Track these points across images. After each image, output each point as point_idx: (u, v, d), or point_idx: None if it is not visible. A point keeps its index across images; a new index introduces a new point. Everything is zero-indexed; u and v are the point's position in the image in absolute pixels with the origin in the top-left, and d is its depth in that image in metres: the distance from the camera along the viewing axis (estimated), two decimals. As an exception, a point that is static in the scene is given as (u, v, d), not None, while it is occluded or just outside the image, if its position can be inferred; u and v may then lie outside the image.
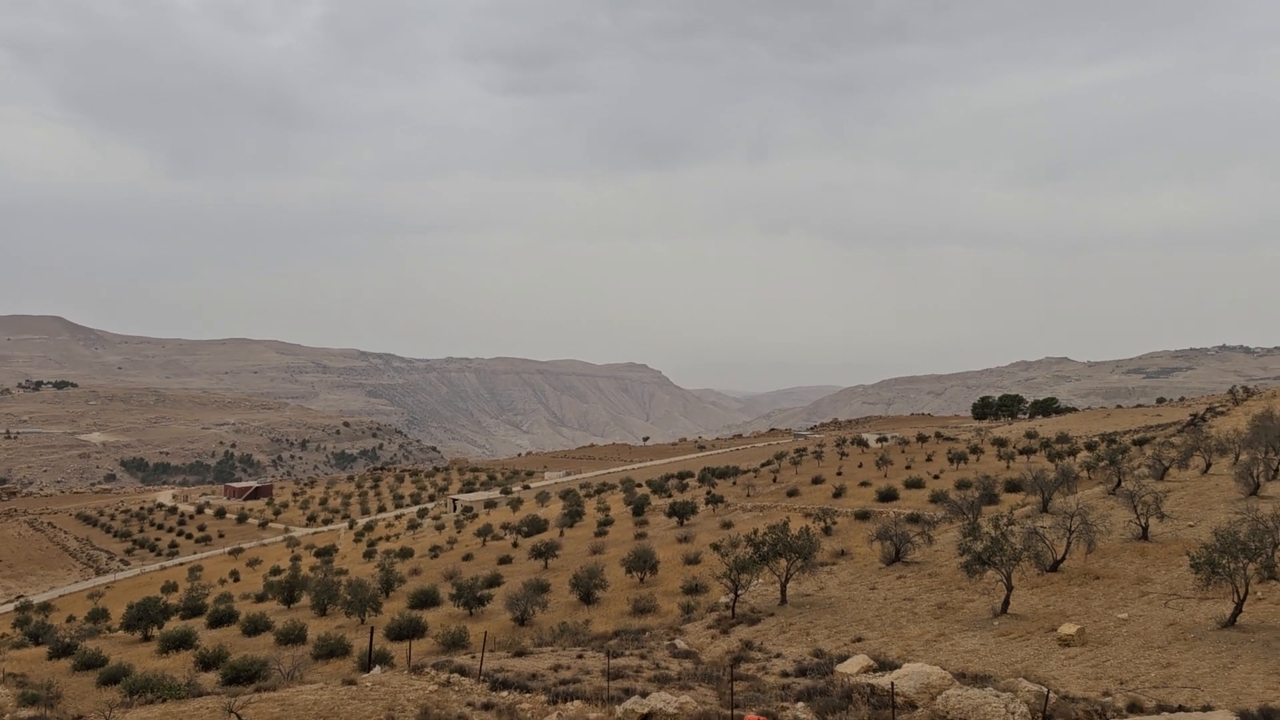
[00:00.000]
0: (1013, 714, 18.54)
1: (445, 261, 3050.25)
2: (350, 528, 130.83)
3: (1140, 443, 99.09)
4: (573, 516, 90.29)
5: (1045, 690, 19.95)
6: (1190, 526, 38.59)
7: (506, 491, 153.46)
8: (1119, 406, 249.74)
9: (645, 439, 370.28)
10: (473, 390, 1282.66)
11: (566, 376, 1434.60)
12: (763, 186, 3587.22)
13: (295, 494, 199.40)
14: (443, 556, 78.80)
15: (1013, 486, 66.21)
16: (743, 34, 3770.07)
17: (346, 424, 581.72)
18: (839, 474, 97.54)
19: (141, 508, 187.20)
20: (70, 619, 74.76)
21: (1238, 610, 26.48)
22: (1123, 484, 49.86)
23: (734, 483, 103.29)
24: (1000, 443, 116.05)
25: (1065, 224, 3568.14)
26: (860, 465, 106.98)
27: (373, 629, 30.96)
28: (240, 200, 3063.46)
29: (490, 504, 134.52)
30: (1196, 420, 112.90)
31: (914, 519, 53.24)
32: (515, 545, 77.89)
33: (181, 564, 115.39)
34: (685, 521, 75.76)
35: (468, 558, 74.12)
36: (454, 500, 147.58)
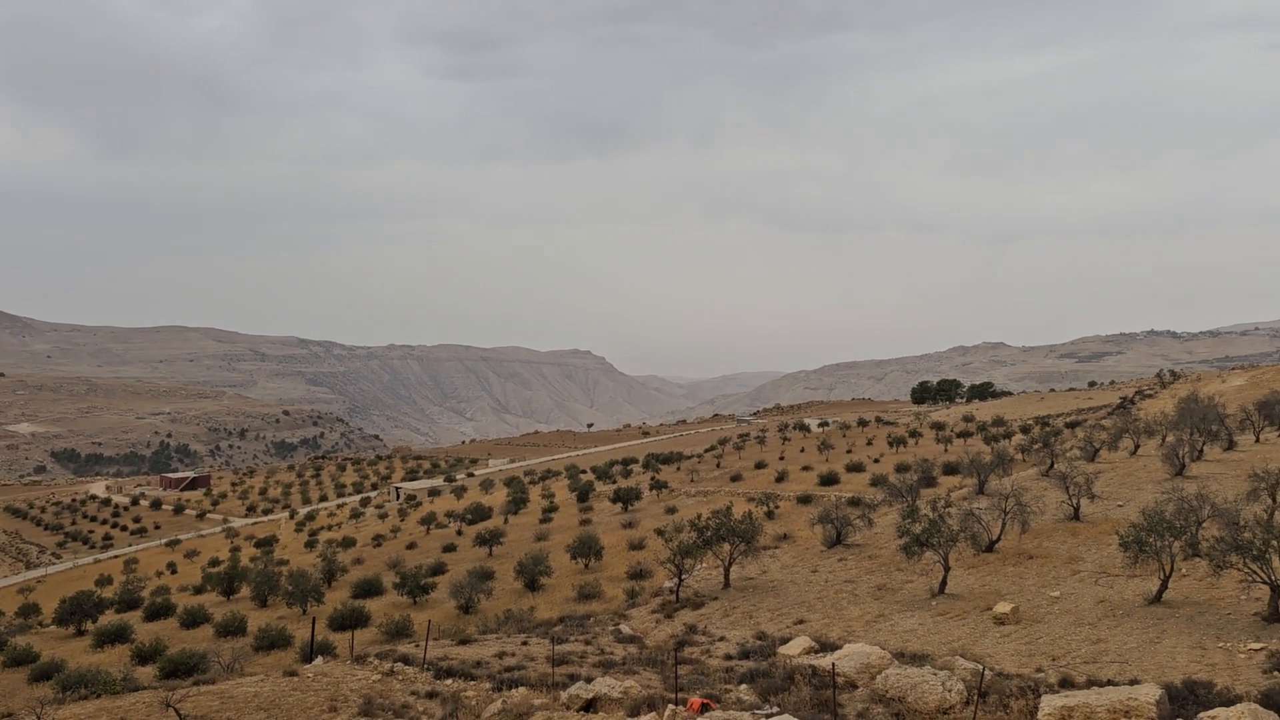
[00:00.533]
0: (949, 691, 18.93)
1: (387, 248, 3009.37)
2: (291, 518, 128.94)
3: (1072, 425, 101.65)
4: (517, 504, 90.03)
5: (981, 668, 20.41)
6: (1119, 506, 39.67)
7: (450, 479, 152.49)
8: (1052, 390, 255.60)
9: (589, 425, 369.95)
10: (416, 378, 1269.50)
11: (510, 363, 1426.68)
12: (707, 173, 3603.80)
13: (234, 484, 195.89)
14: (386, 545, 78.07)
15: (950, 469, 67.44)
16: (687, 20, 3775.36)
17: (286, 412, 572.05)
18: (781, 459, 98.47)
19: (74, 500, 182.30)
20: (-1, 614, 72.64)
21: (1163, 587, 27.33)
22: (1056, 466, 51.06)
23: (678, 468, 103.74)
24: (938, 426, 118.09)
25: (1001, 211, 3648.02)
26: (802, 450, 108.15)
27: (314, 619, 30.55)
28: (174, 184, 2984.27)
29: (434, 492, 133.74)
30: (1126, 403, 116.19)
31: (855, 502, 53.96)
32: (459, 533, 77.46)
33: (116, 557, 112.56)
34: (630, 507, 75.97)
35: (411, 546, 73.50)
36: (397, 489, 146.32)
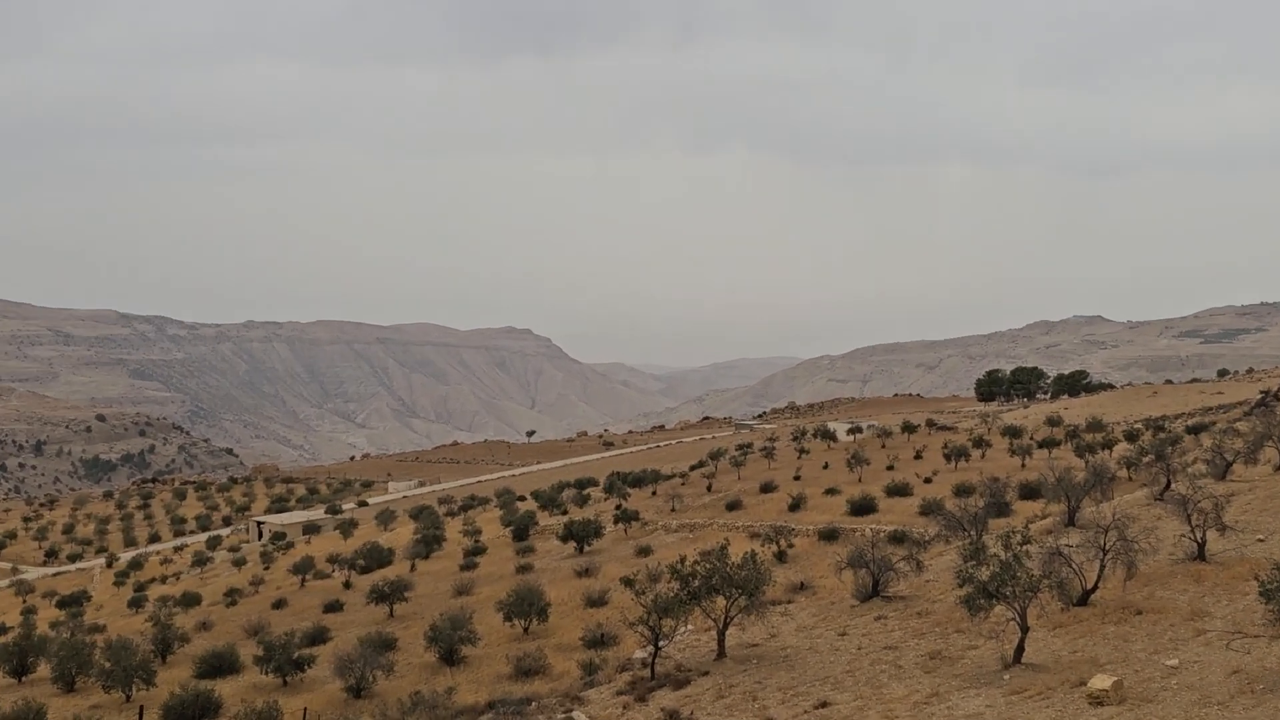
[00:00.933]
0: (1029, 799, 19.13)
1: (243, 185, 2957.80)
2: (109, 566, 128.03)
3: (1196, 430, 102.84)
4: (429, 544, 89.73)
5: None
6: (1260, 541, 40.14)
7: (335, 510, 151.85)
8: (1168, 382, 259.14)
9: (530, 434, 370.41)
10: (285, 367, 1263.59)
11: (418, 347, 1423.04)
12: (691, 82, 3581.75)
13: (27, 519, 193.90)
14: (244, 603, 77.57)
15: (1029, 492, 68.01)
16: None
17: (101, 417, 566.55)
18: (797, 478, 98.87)
19: None
20: None
21: (1320, 651, 27.66)
22: (1173, 486, 51.61)
23: (653, 493, 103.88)
24: (1013, 433, 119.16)
25: (1099, 134, 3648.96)
26: (826, 466, 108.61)
27: (142, 709, 30.40)
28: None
29: (311, 528, 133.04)
30: (1269, 399, 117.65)
31: (898, 538, 54.29)
32: (348, 585, 77.15)
33: None
34: (587, 548, 76.06)
35: (280, 604, 73.12)
36: (259, 524, 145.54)
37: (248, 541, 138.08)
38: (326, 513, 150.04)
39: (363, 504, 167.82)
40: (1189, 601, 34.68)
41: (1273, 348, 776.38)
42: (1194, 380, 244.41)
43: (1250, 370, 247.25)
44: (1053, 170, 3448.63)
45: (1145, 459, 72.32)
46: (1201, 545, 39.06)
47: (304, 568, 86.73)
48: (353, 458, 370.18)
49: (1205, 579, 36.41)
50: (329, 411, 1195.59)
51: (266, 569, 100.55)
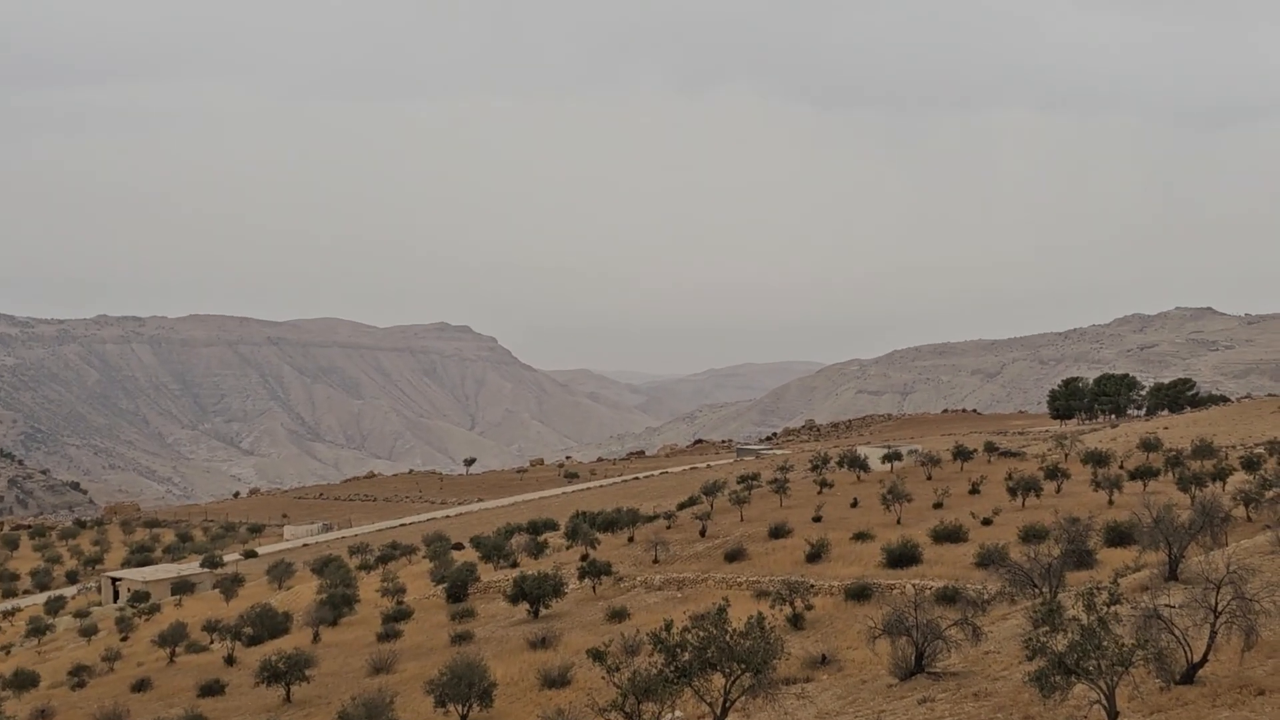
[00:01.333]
0: None
1: (90, 139, 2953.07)
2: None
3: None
4: (337, 606, 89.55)
5: None
6: None
7: (213, 563, 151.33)
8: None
9: (469, 462, 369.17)
10: (148, 376, 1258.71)
11: (322, 350, 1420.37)
12: (679, 2, 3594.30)
13: None
14: (95, 685, 77.20)
15: (1119, 536, 68.18)
16: None
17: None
18: (817, 520, 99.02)
19: None
20: None
21: None
22: (1304, 529, 51.88)
23: (630, 539, 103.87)
24: (1097, 460, 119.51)
25: (1211, 73, 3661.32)
26: (855, 504, 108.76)
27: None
28: None
29: (183, 587, 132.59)
30: None
31: (949, 597, 54.43)
32: (231, 661, 76.89)
33: None
34: (543, 610, 76.04)
35: (142, 686, 72.75)
36: (115, 581, 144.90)
37: (100, 604, 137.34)
38: (203, 566, 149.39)
39: (250, 554, 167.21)
40: (1325, 678, 34.82)
41: None
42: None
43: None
44: (1151, 118, 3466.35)
45: (1269, 494, 72.79)
46: (1341, 605, 39.24)
47: (173, 638, 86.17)
48: (237, 494, 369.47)
49: (1346, 649, 36.55)
50: (206, 434, 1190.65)
51: (124, 639, 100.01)
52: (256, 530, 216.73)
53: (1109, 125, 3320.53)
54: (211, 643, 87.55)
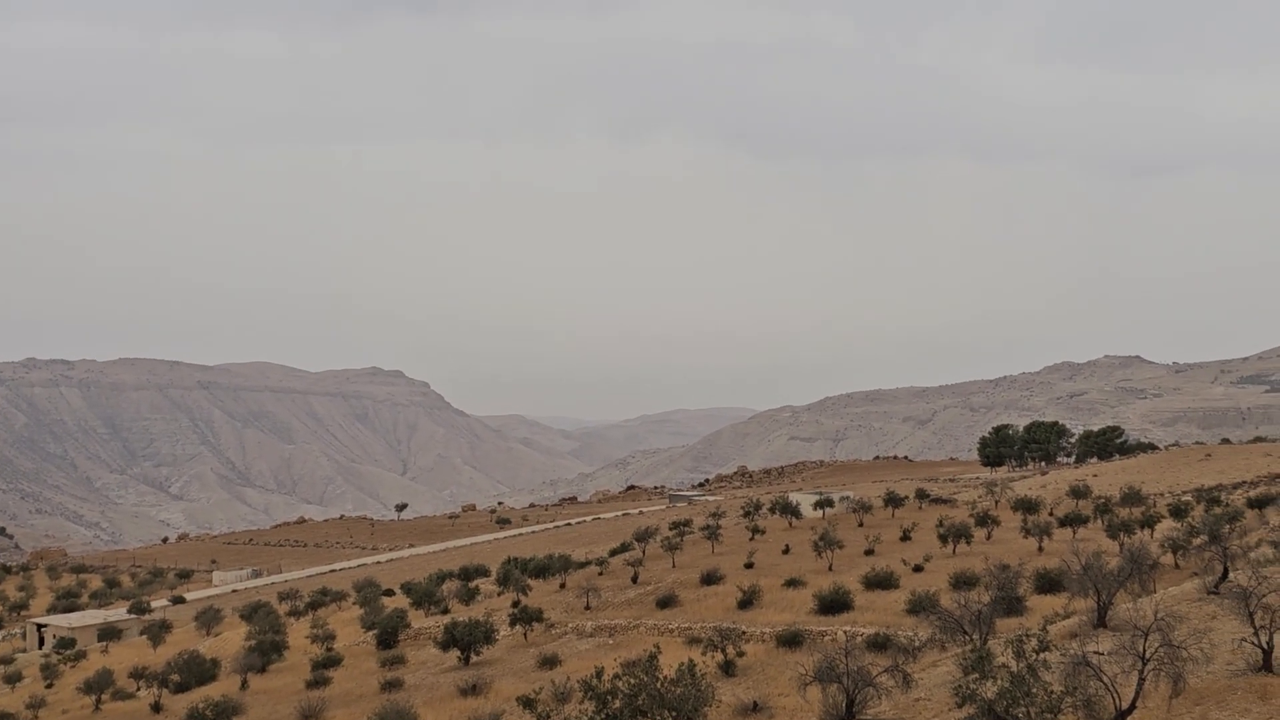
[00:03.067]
0: None
1: (20, 180, 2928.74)
2: None
3: (1260, 503, 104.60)
4: (266, 653, 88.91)
5: None
6: (1342, 647, 40.73)
7: (141, 609, 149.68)
8: (1225, 441, 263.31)
9: (400, 507, 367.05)
10: (76, 420, 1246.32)
11: (253, 394, 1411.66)
12: (614, 49, 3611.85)
13: None
14: (17, 734, 76.20)
15: (1048, 583, 68.62)
16: None
17: None
18: (749, 566, 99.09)
19: None
20: None
21: None
22: (1231, 576, 52.28)
23: (562, 585, 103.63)
24: (1027, 507, 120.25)
25: (1140, 124, 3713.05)
26: (787, 550, 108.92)
27: None
28: None
29: (110, 633, 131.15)
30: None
31: (880, 644, 54.50)
32: (157, 709, 76.16)
33: None
34: (474, 657, 75.89)
35: (65, 735, 71.97)
36: (39, 627, 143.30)
37: (24, 650, 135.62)
38: (130, 612, 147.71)
39: (179, 600, 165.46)
40: (1252, 725, 35.03)
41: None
42: (1258, 439, 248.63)
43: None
44: (1081, 168, 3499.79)
45: (1196, 541, 73.40)
46: (1268, 652, 39.49)
47: (100, 685, 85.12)
48: (166, 539, 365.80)
49: (1273, 695, 36.80)
50: (135, 478, 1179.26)
51: (49, 686, 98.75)
52: (185, 576, 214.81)
53: (1041, 175, 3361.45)
54: (138, 690, 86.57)
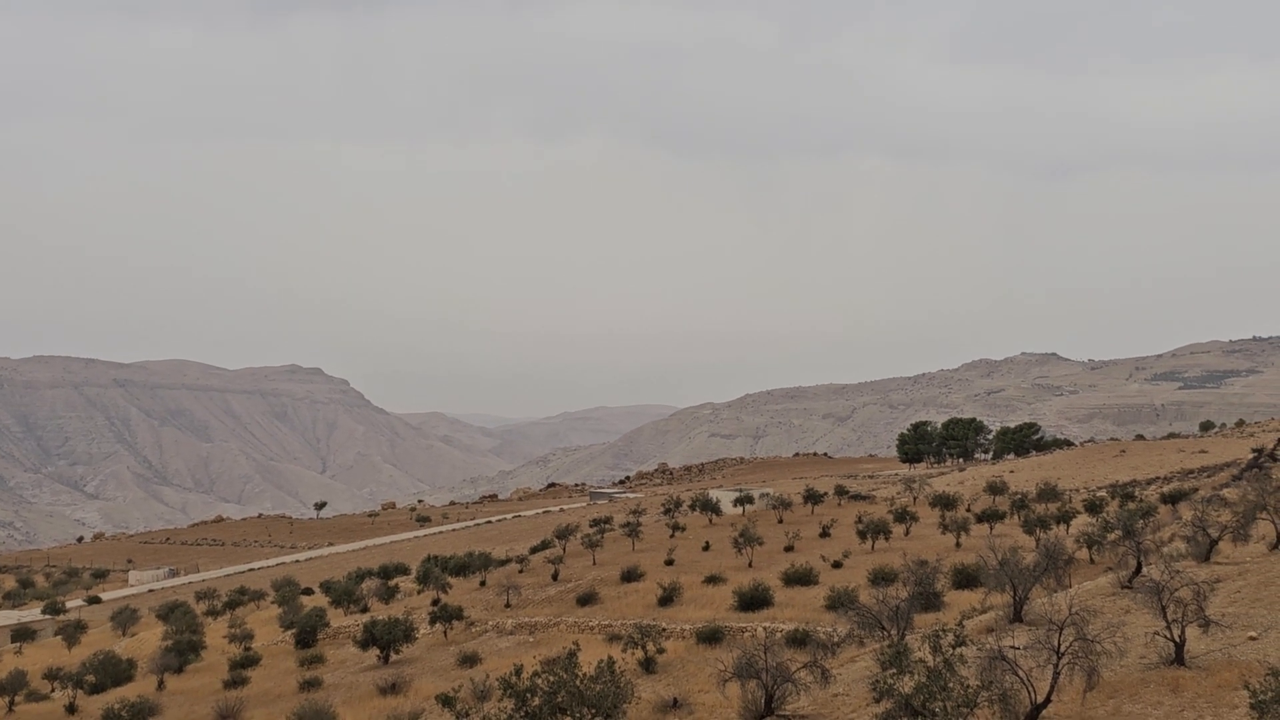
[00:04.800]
0: None
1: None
2: None
3: (1174, 499, 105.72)
4: (183, 653, 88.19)
5: None
6: (1252, 639, 41.24)
7: (55, 609, 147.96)
8: (1139, 437, 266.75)
9: (320, 506, 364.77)
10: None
11: (170, 392, 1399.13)
12: (536, 47, 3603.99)
13: None
14: (-74, 737, 75.20)
15: (966, 579, 69.09)
16: None
17: None
18: (670, 563, 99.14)
19: None
20: None
21: (1326, 779, 28.46)
22: (1144, 570, 52.86)
23: (482, 583, 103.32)
24: (945, 503, 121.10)
25: (1054, 124, 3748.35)
26: (707, 547, 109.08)
27: None
28: None
29: (24, 633, 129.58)
30: (1264, 459, 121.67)
31: (799, 640, 54.63)
32: (72, 710, 75.30)
33: None
34: (394, 656, 75.54)
35: (-24, 738, 71.10)
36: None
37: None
38: (44, 612, 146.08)
39: (94, 600, 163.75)
40: (1164, 717, 35.46)
41: (1269, 393, 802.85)
42: (1171, 435, 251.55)
43: (1241, 422, 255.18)
44: (995, 168, 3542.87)
45: (1110, 536, 74.08)
46: (1180, 645, 39.95)
47: (13, 686, 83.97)
48: (81, 539, 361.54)
49: (1185, 688, 37.22)
50: (49, 477, 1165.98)
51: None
52: (101, 576, 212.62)
53: (958, 175, 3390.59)
54: (53, 691, 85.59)
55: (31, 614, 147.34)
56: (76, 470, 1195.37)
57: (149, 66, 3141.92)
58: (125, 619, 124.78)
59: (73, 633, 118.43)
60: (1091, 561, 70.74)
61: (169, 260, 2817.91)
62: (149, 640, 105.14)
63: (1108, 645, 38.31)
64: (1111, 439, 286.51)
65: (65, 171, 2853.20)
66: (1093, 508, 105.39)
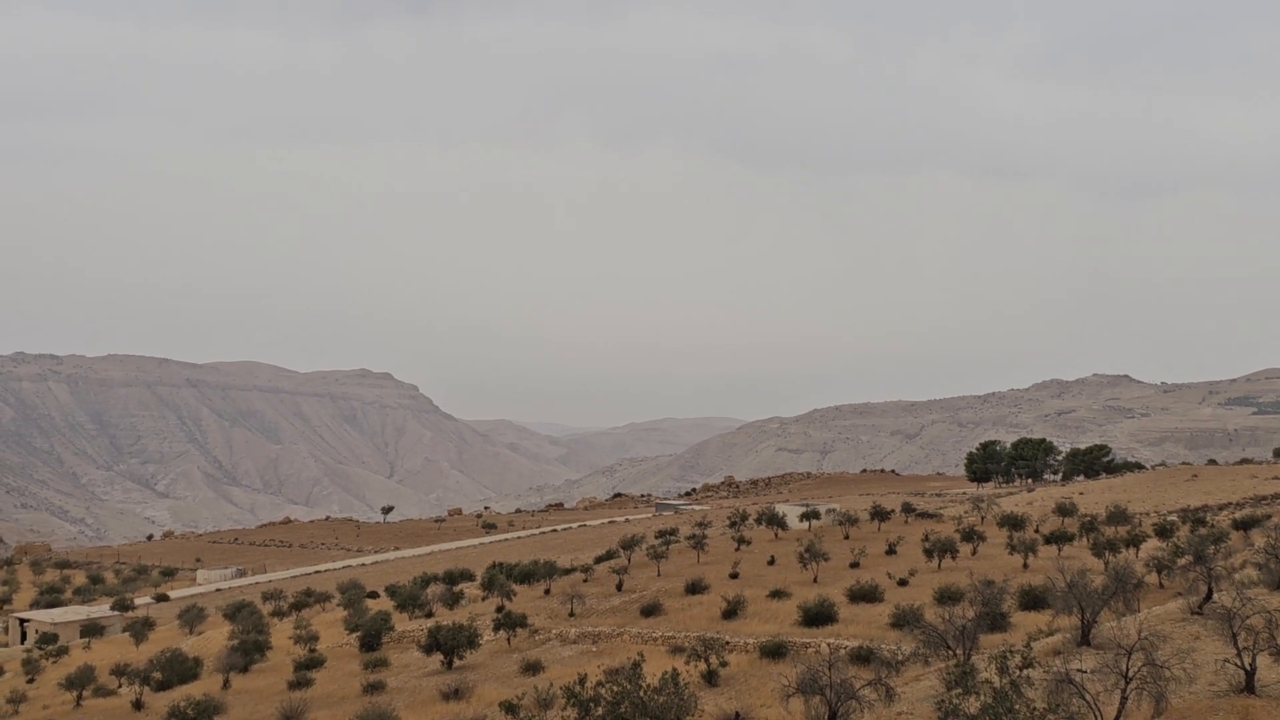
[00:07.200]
0: None
1: (10, 177, 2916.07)
2: None
3: (1246, 525, 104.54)
4: (249, 652, 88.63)
5: None
6: (1325, 670, 40.73)
7: (124, 606, 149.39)
8: (1212, 462, 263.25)
9: (387, 510, 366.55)
10: (64, 414, 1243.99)
11: (242, 393, 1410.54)
12: (609, 56, 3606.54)
13: None
14: (-4, 728, 76.04)
15: (1033, 600, 68.52)
16: None
17: None
18: (734, 576, 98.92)
19: None
20: None
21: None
22: (1215, 597, 52.26)
23: (547, 591, 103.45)
24: (1013, 523, 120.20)
25: (1131, 141, 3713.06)
26: (772, 561, 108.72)
27: None
28: None
29: (93, 629, 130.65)
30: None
31: (863, 657, 54.38)
32: (139, 706, 75.92)
33: None
34: (457, 662, 75.72)
35: (45, 731, 71.79)
36: (22, 622, 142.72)
37: (6, 645, 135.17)
38: (114, 609, 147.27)
39: (162, 598, 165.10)
40: (1233, 746, 35.05)
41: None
42: (1244, 461, 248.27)
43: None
44: (1071, 187, 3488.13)
45: (1181, 561, 73.39)
46: (1250, 673, 39.45)
47: (81, 681, 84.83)
48: (151, 537, 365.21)
49: (1255, 717, 36.77)
50: (121, 475, 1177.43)
51: (30, 682, 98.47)
52: (169, 574, 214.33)
53: (1032, 192, 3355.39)
54: (120, 687, 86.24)
55: (101, 610, 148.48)
56: (148, 469, 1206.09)
57: (228, 71, 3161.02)
58: (192, 617, 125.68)
59: (141, 630, 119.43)
60: (1161, 586, 70.02)
61: (243, 261, 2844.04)
62: (215, 639, 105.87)
63: (1176, 671, 37.94)
64: (1183, 463, 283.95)
65: (146, 172, 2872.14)
66: (1163, 532, 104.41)
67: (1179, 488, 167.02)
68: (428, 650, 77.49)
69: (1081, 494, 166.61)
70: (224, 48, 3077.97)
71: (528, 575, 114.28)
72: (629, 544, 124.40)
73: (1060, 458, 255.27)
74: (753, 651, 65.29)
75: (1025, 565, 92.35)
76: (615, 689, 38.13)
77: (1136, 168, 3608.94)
